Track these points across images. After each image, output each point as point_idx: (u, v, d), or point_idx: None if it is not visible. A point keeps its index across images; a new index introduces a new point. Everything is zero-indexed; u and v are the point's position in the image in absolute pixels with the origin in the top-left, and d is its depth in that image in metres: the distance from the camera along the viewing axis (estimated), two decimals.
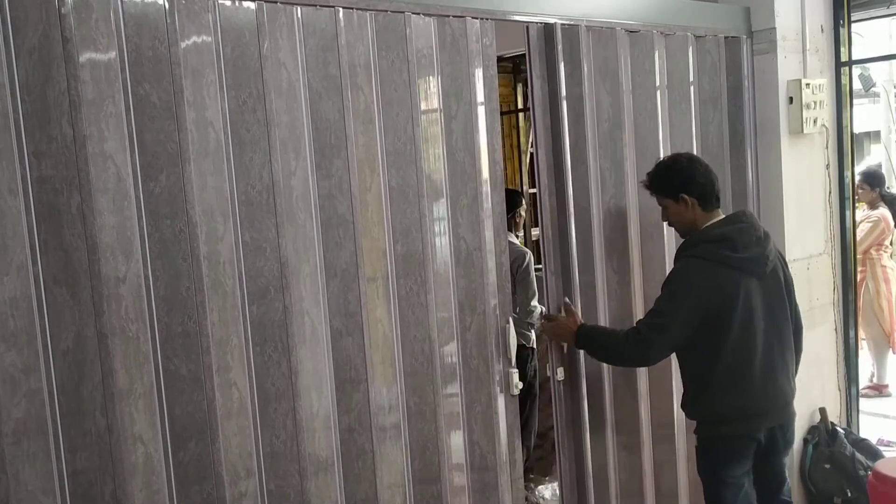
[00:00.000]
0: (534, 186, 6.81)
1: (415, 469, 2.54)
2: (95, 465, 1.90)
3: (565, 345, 3.04)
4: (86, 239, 1.85)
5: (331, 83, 2.28)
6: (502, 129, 7.15)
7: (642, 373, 3.31)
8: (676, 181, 2.80)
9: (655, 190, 2.87)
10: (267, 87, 2.14)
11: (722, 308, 2.71)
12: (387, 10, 2.40)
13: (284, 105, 2.18)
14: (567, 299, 3.01)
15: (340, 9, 2.29)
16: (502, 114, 7.04)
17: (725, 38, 3.65)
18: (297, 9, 2.20)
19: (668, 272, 2.95)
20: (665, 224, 3.06)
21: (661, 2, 3.42)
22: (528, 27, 2.90)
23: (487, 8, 2.70)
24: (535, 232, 6.55)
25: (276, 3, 2.15)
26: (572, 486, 3.14)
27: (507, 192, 4.85)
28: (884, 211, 5.83)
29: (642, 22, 3.29)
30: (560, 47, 2.95)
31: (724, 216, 2.85)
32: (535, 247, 6.60)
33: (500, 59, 6.15)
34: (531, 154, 6.76)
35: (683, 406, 2.97)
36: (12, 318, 1.76)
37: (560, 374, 3.06)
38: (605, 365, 3.16)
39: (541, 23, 2.93)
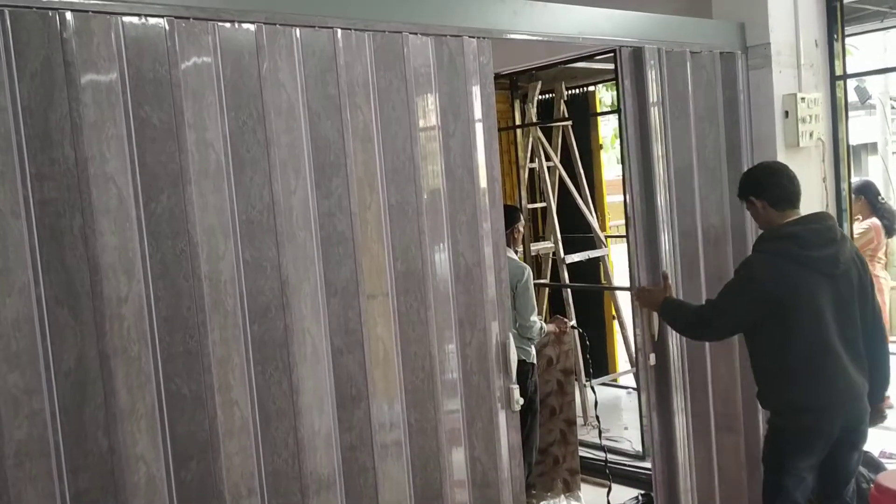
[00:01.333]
0: (533, 201, 6.85)
1: (416, 486, 2.54)
2: (98, 486, 1.91)
3: (657, 330, 3.45)
4: (88, 260, 1.86)
5: (330, 103, 2.30)
6: (500, 145, 7.19)
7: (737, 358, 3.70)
8: (746, 187, 3.10)
9: (738, 195, 3.17)
10: (266, 107, 2.16)
11: (784, 299, 2.87)
12: (384, 31, 2.42)
13: (284, 125, 2.20)
14: (665, 271, 3.37)
15: (339, 30, 2.32)
16: (500, 130, 7.07)
17: (721, 53, 3.68)
18: (295, 30, 2.22)
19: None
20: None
21: (657, 19, 3.45)
22: (620, 49, 3.32)
23: (484, 27, 2.73)
24: (534, 247, 6.57)
25: (274, 24, 2.17)
26: (663, 468, 3.50)
27: (506, 207, 4.87)
28: (874, 221, 5.84)
29: (639, 39, 3.32)
30: (647, 69, 3.34)
31: (799, 216, 3.00)
32: (535, 262, 6.61)
33: (497, 76, 6.20)
34: (530, 170, 6.79)
35: (758, 395, 3.11)
36: (15, 339, 1.77)
37: (652, 359, 3.45)
38: (701, 352, 3.59)
39: (630, 46, 3.26)
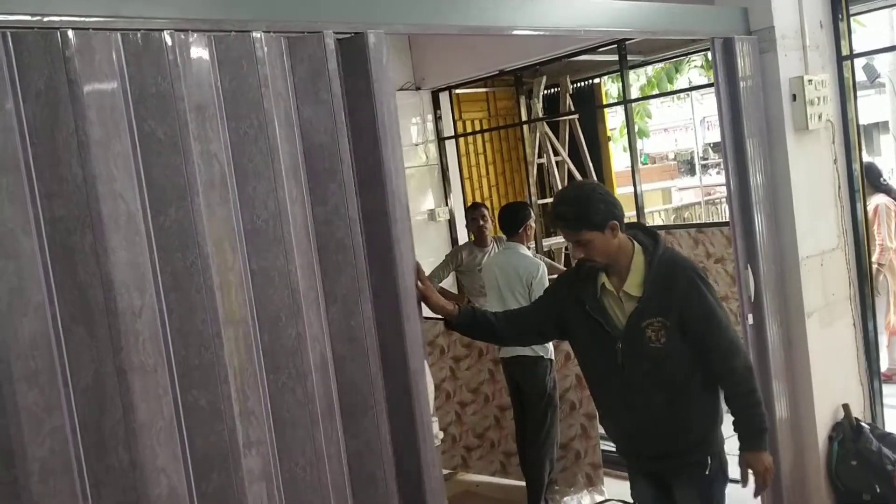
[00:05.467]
0: (543, 197, 6.84)
1: None
2: (121, 500, 1.91)
3: (752, 292, 3.66)
4: (101, 277, 1.87)
5: (322, 108, 2.28)
6: (507, 142, 7.20)
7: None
8: (606, 213, 2.66)
9: (588, 227, 2.65)
10: (268, 116, 2.15)
11: None
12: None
13: (284, 134, 2.20)
14: None
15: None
16: (507, 127, 7.07)
17: (724, 39, 3.66)
18: (282, 38, 2.21)
19: None
20: None
21: (657, 8, 3.43)
22: (713, 41, 3.47)
23: (483, 24, 2.71)
24: (546, 243, 6.56)
25: (270, 32, 2.17)
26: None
27: (515, 205, 4.89)
28: (880, 198, 5.82)
29: (640, 29, 3.30)
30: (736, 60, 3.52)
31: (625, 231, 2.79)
32: (549, 257, 6.60)
33: (502, 73, 6.21)
34: (538, 165, 6.78)
35: (702, 441, 2.75)
36: (32, 358, 1.78)
37: (750, 318, 3.63)
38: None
39: (721, 37, 3.32)
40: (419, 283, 2.48)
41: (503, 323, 2.80)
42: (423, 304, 2.53)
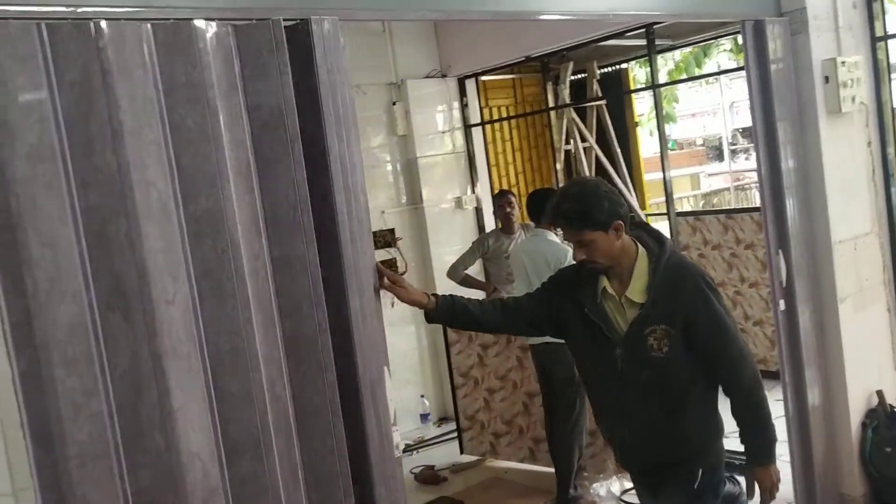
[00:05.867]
0: None
1: None
2: (157, 484, 1.95)
3: (784, 278, 3.67)
4: (135, 264, 1.90)
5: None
6: (535, 128, 7.17)
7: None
8: (609, 212, 2.54)
9: (592, 227, 2.54)
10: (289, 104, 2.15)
11: None
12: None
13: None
14: None
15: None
16: (533, 113, 7.04)
17: (755, 21, 3.61)
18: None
19: None
20: None
21: None
22: (744, 23, 3.48)
23: (514, 10, 2.70)
24: None
25: (305, 18, 2.17)
26: (795, 412, 3.75)
27: (542, 191, 4.87)
28: None
29: (670, 13, 3.27)
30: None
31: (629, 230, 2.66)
32: None
33: (528, 59, 6.18)
34: (566, 152, 6.75)
35: (693, 454, 2.59)
36: (71, 344, 1.81)
37: (782, 304, 3.66)
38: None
39: (752, 20, 3.35)
40: (385, 280, 2.42)
41: (491, 313, 2.65)
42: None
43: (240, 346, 2.07)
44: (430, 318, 2.61)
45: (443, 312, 2.58)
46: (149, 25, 1.92)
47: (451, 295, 2.65)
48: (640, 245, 2.56)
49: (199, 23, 1.99)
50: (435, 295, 2.60)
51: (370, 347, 2.33)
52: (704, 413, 2.58)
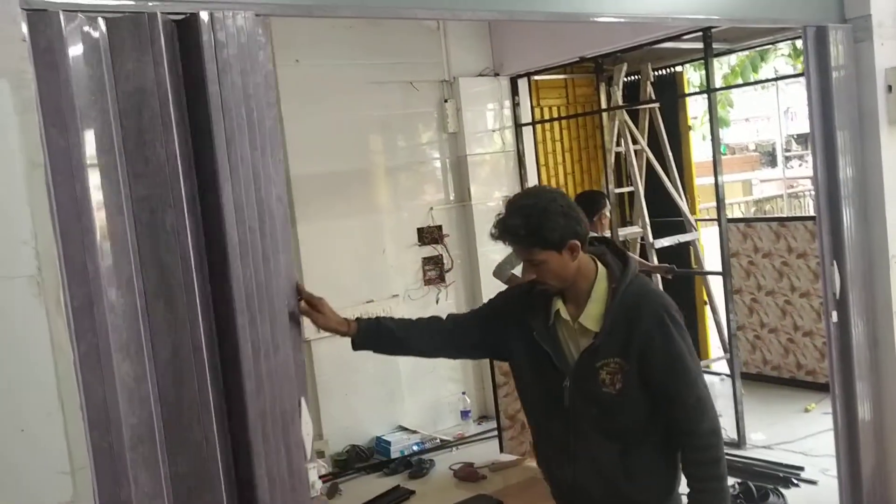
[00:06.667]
0: (620, 186, 6.74)
1: None
2: (195, 470, 1.98)
3: (838, 289, 3.62)
4: (180, 255, 1.93)
5: None
6: (585, 129, 7.11)
7: None
8: (567, 229, 2.24)
9: (542, 246, 2.23)
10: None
11: None
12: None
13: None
14: None
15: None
16: (585, 114, 6.98)
17: (817, 27, 3.53)
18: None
19: None
20: None
21: None
22: (805, 29, 3.44)
23: (571, 11, 2.67)
24: (622, 232, 6.46)
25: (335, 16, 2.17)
26: (844, 426, 3.69)
27: (591, 193, 4.83)
28: None
29: (729, 17, 3.21)
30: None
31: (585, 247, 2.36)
32: (624, 247, 6.51)
33: (582, 59, 6.12)
34: (616, 153, 6.68)
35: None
36: (125, 330, 1.86)
37: (834, 316, 3.63)
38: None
39: (814, 26, 3.35)
40: (302, 304, 2.21)
41: (424, 335, 2.40)
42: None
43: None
44: (355, 346, 2.36)
45: (367, 338, 2.33)
46: (207, 15, 1.95)
47: (377, 318, 2.38)
48: (601, 265, 2.28)
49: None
50: (358, 319, 2.34)
51: (283, 376, 2.08)
52: (660, 467, 2.29)
